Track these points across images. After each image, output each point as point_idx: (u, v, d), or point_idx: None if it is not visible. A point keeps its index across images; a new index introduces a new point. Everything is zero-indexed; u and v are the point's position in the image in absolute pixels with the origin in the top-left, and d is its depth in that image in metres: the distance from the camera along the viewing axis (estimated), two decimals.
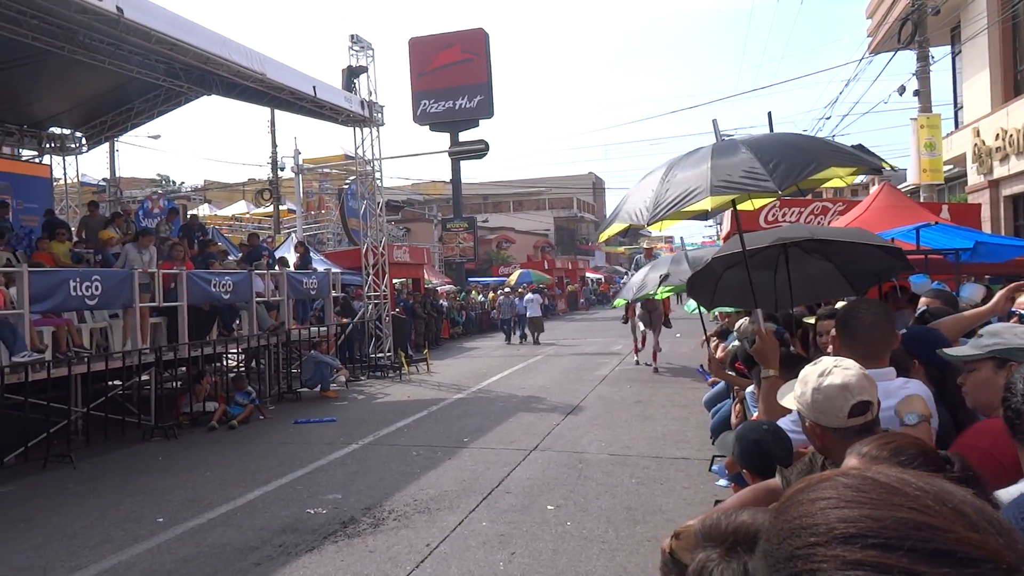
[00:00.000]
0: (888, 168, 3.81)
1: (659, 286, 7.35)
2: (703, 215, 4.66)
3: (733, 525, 1.13)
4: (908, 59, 16.81)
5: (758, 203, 4.68)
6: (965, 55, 17.56)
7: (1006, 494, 1.70)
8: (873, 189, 10.66)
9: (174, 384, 12.34)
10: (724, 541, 1.13)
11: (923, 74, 15.61)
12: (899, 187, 14.44)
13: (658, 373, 14.46)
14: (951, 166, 18.23)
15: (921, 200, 14.13)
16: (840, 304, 4.37)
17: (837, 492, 0.62)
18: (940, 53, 18.54)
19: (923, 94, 15.62)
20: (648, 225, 3.50)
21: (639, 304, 14.59)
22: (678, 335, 19.58)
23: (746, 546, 1.08)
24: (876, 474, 0.64)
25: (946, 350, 2.62)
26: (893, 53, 17.63)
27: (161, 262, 11.57)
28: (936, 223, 7.76)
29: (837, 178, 4.04)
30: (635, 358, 16.25)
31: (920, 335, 3.04)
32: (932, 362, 2.91)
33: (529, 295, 24.00)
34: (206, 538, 5.95)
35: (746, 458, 2.62)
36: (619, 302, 14.32)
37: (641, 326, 15.67)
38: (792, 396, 2.26)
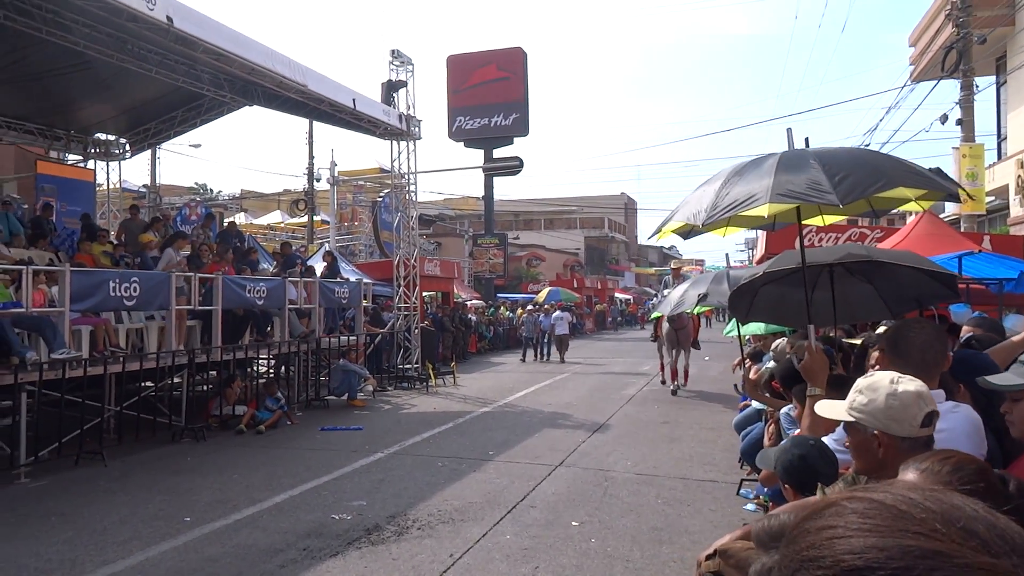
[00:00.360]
0: (964, 195, 3.74)
1: (696, 305, 7.29)
2: (768, 225, 4.62)
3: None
4: (951, 88, 16.66)
5: (810, 221, 4.60)
6: (1011, 85, 17.32)
7: None
8: (911, 218, 10.51)
9: (205, 387, 12.49)
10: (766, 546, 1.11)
11: (967, 103, 15.40)
12: (940, 216, 14.22)
13: (676, 396, 13.90)
14: (993, 197, 17.93)
15: (962, 230, 13.90)
16: (882, 328, 4.31)
17: (844, 520, 0.61)
18: (985, 83, 18.31)
19: (966, 123, 15.40)
20: (703, 226, 3.46)
21: (667, 322, 14.06)
22: (707, 358, 19.40)
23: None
24: (883, 496, 0.62)
25: (989, 378, 2.56)
26: (936, 81, 17.44)
27: (198, 266, 11.78)
28: (979, 251, 7.63)
29: (913, 202, 3.98)
30: (661, 377, 15.76)
31: (968, 359, 2.98)
32: (979, 387, 2.85)
33: (557, 312, 23.59)
34: (232, 539, 6.00)
35: (790, 472, 2.58)
36: (656, 315, 14.10)
37: (668, 345, 14.85)
38: (845, 406, 2.20)
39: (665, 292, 14.92)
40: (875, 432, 2.11)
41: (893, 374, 2.15)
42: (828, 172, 3.15)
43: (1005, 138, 18.37)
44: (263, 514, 6.68)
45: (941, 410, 2.46)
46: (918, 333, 2.67)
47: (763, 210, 3.23)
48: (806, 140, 3.73)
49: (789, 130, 3.79)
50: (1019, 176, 16.18)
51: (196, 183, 48.52)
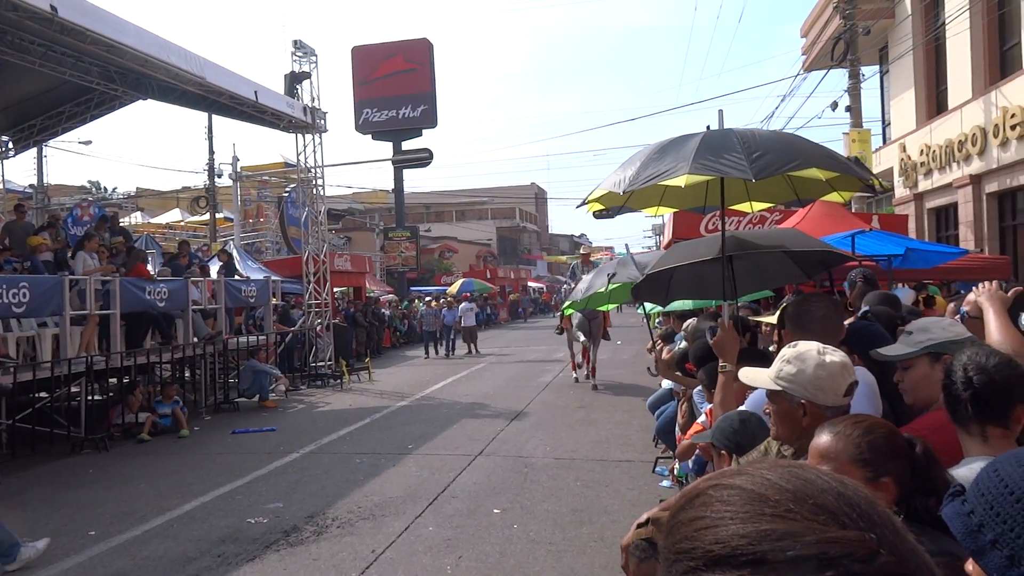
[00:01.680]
0: (879, 186, 3.95)
1: (608, 285, 7.37)
2: (699, 208, 4.77)
3: None
4: (840, 77, 17.47)
5: (739, 206, 4.76)
6: (892, 74, 18.35)
7: (957, 472, 1.79)
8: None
9: (106, 395, 11.91)
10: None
11: (854, 91, 16.22)
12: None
13: (597, 391, 13.22)
14: (885, 191, 18.96)
15: (853, 211, 14.65)
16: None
17: (710, 510, 0.63)
18: (870, 72, 19.34)
19: (854, 110, 16.22)
20: (624, 192, 3.57)
21: (576, 313, 13.18)
22: (619, 342, 19.83)
23: None
24: (743, 480, 0.65)
25: (881, 349, 2.72)
26: (826, 71, 18.31)
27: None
28: (870, 230, 8.07)
29: (835, 194, 4.17)
30: (573, 374, 14.80)
31: (862, 330, 3.15)
32: (871, 358, 3.01)
33: (464, 304, 23.20)
34: (141, 551, 5.75)
35: (729, 436, 2.66)
36: (568, 309, 13.60)
37: (581, 336, 13.83)
38: (771, 375, 2.25)
39: (573, 282, 14.35)
40: (802, 401, 2.17)
41: (819, 345, 2.23)
42: (747, 150, 3.30)
43: (889, 124, 19.46)
44: (173, 523, 6.44)
45: (864, 378, 2.59)
46: (818, 307, 2.80)
47: (681, 180, 3.35)
48: (720, 119, 3.87)
49: (720, 111, 3.96)
50: (902, 159, 17.18)
51: (88, 182, 46.14)
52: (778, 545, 0.58)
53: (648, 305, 10.16)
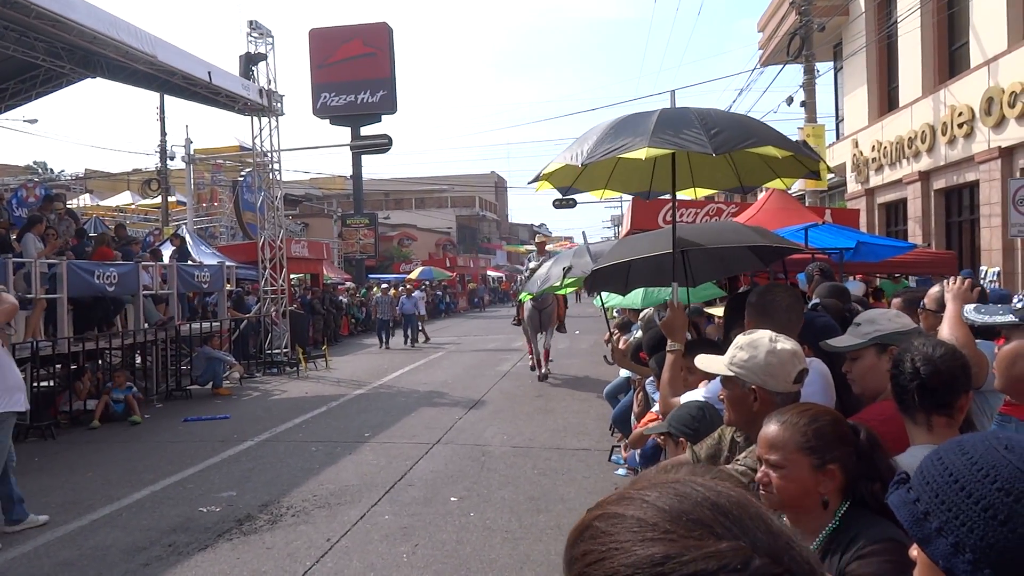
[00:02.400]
0: (827, 170, 4.05)
1: (563, 278, 7.39)
2: (643, 194, 4.78)
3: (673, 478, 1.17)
4: (796, 72, 17.74)
5: (683, 193, 4.80)
6: (846, 71, 18.71)
7: (902, 459, 1.84)
8: (763, 194, 11.19)
9: (51, 382, 11.58)
10: None
11: (809, 86, 16.49)
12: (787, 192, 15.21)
13: (544, 381, 12.88)
14: (833, 175, 19.33)
15: (806, 205, 14.93)
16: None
17: (597, 543, 0.66)
18: (825, 68, 19.68)
19: (809, 105, 16.50)
20: (583, 165, 3.54)
21: (528, 304, 13.14)
22: (577, 332, 19.95)
23: None
24: (623, 508, 0.67)
25: (830, 341, 2.78)
26: (782, 66, 18.58)
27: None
28: (822, 223, 8.23)
29: (778, 180, 4.22)
30: (531, 362, 14.22)
31: (811, 321, 3.20)
32: (821, 348, 3.07)
33: (417, 292, 22.86)
34: (88, 540, 5.63)
35: (687, 423, 2.69)
36: (524, 296, 13.40)
37: (532, 328, 13.51)
38: (725, 361, 2.29)
39: (530, 267, 13.68)
40: (752, 387, 2.21)
41: (771, 333, 2.27)
42: (705, 126, 3.33)
43: (843, 119, 19.86)
44: (122, 512, 6.31)
45: (816, 368, 2.64)
46: (783, 296, 2.85)
47: (641, 153, 3.35)
48: (672, 100, 3.90)
49: (673, 92, 3.99)
50: (855, 155, 17.56)
51: (34, 162, 44.72)
52: (660, 570, 0.61)
53: (604, 297, 10.17)
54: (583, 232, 9.60)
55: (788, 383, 2.20)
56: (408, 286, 24.00)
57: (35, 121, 28.13)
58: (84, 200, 30.05)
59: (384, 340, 21.12)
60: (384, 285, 24.38)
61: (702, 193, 4.88)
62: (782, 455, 1.76)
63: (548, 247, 15.15)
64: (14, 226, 12.62)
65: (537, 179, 4.23)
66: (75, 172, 39.42)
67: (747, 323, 2.82)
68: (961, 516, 0.91)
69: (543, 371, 13.35)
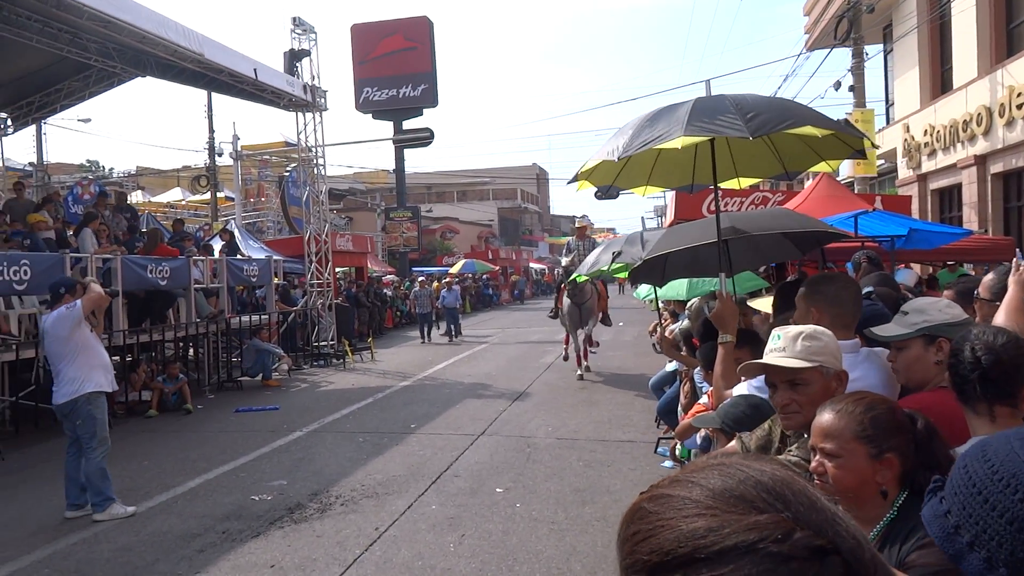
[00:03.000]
0: (871, 146, 3.93)
1: (611, 263, 7.32)
2: (687, 188, 4.73)
3: None
4: (844, 56, 17.34)
5: (727, 184, 4.72)
6: (896, 53, 18.19)
7: (963, 451, 1.78)
8: (810, 182, 10.97)
9: None
10: None
11: (858, 70, 16.10)
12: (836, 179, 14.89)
13: (583, 380, 12.07)
14: (883, 161, 18.87)
15: (855, 192, 14.59)
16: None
17: (644, 524, 0.67)
18: (874, 51, 19.18)
19: (858, 90, 16.12)
20: (619, 159, 3.50)
21: (566, 296, 12.38)
22: (621, 324, 19.82)
23: None
24: (670, 488, 0.69)
25: (874, 329, 2.69)
26: (829, 50, 18.13)
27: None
28: (873, 211, 8.03)
29: (824, 163, 4.13)
30: (564, 352, 13.70)
31: (868, 312, 3.12)
32: (866, 336, 2.99)
33: (455, 286, 22.46)
34: (145, 527, 5.79)
35: (740, 421, 2.64)
36: (579, 277, 12.69)
37: (571, 324, 12.67)
38: (799, 354, 2.15)
39: (566, 258, 12.86)
40: (836, 372, 2.16)
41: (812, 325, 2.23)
42: (740, 111, 3.27)
43: (893, 104, 19.33)
44: (177, 500, 6.48)
45: (858, 358, 2.57)
46: (839, 285, 2.77)
47: (677, 142, 3.30)
48: (707, 90, 3.84)
49: (708, 82, 3.91)
50: (906, 140, 17.08)
51: (88, 160, 45.98)
52: (702, 542, 0.62)
53: (648, 288, 10.02)
54: (642, 218, 9.53)
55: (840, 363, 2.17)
56: (447, 279, 23.56)
57: (89, 120, 29.02)
58: (136, 197, 30.83)
59: (426, 334, 20.75)
60: (421, 278, 23.68)
61: (746, 182, 4.79)
62: (838, 444, 1.73)
63: (587, 232, 14.08)
64: (70, 223, 13.02)
65: (576, 179, 4.17)
66: (127, 169, 40.46)
67: (798, 313, 2.75)
68: (989, 530, 0.87)
69: (580, 371, 12.42)
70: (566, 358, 13.56)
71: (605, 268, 7.68)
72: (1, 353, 8.87)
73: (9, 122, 16.92)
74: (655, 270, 4.96)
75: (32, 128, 22.49)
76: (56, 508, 6.29)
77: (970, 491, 0.91)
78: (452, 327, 20.73)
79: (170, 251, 12.82)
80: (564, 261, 12.86)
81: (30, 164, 26.07)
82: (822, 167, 4.35)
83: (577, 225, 14.44)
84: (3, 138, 17.12)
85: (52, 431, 9.32)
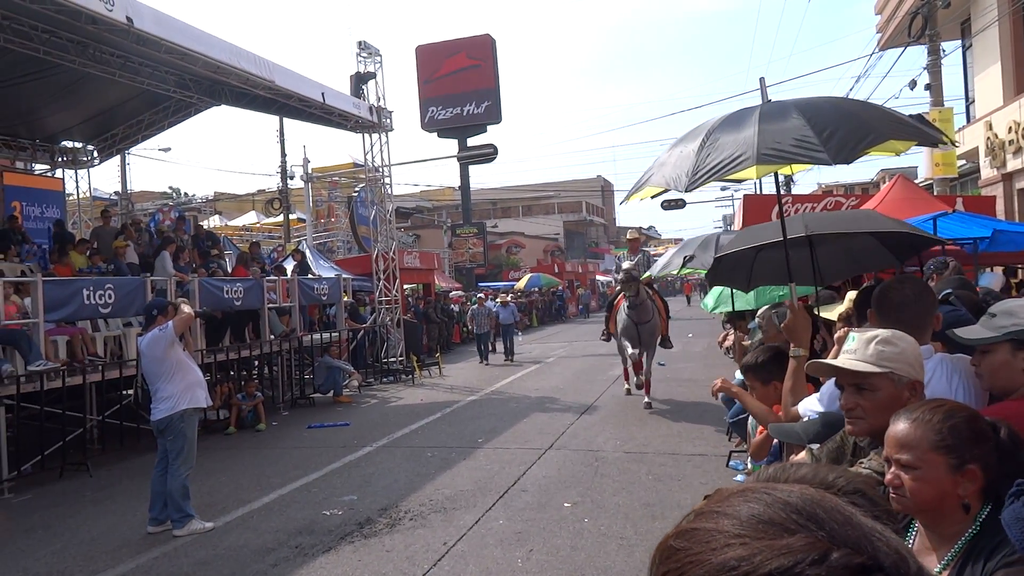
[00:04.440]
0: (949, 142, 3.66)
1: (682, 267, 7.14)
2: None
3: (795, 476, 1.10)
4: (919, 54, 16.70)
5: (794, 168, 4.54)
6: (976, 48, 17.44)
7: None
8: (884, 184, 10.57)
9: None
10: None
11: (934, 68, 15.49)
12: (913, 181, 14.32)
13: (651, 409, 10.55)
14: (963, 161, 18.08)
15: (935, 194, 14.02)
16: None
17: (673, 562, 0.65)
18: (951, 47, 18.44)
19: (935, 88, 15.50)
20: (686, 191, 3.22)
21: (623, 313, 10.94)
22: (690, 335, 19.50)
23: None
24: (699, 522, 0.67)
25: (958, 331, 2.54)
26: (903, 48, 17.52)
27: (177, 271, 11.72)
28: (953, 212, 7.68)
29: (890, 143, 3.89)
30: (625, 386, 12.10)
31: (944, 316, 2.97)
32: (953, 342, 2.84)
33: (509, 304, 20.60)
34: (222, 541, 5.94)
35: (814, 439, 2.55)
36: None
37: (629, 347, 11.05)
38: (869, 359, 2.05)
39: (622, 267, 11.22)
40: (911, 381, 2.03)
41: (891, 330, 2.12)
42: (815, 127, 2.99)
43: (973, 101, 18.52)
44: (253, 515, 6.63)
45: (930, 365, 2.43)
46: (910, 290, 2.63)
47: (751, 172, 3.09)
48: (762, 86, 3.61)
49: (762, 79, 3.59)
50: (988, 138, 16.33)
51: (169, 188, 47.98)
52: (734, 574, 0.60)
53: (710, 301, 9.75)
54: (724, 216, 9.24)
55: (923, 374, 2.05)
56: (502, 297, 21.75)
57: (169, 149, 30.41)
58: (214, 221, 31.99)
59: (484, 355, 19.48)
60: (480, 295, 22.66)
61: (798, 169, 4.58)
62: (915, 455, 1.63)
63: (640, 243, 12.48)
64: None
65: (627, 198, 3.98)
66: (206, 195, 42.06)
67: (871, 321, 2.62)
68: None
69: (646, 397, 10.83)
70: (630, 391, 11.83)
71: (675, 271, 7.49)
72: (89, 374, 9.28)
73: (95, 153, 17.79)
74: (741, 273, 4.78)
75: (116, 159, 23.67)
76: (139, 523, 6.52)
77: None
78: (507, 346, 19.52)
79: (243, 272, 13.27)
80: (620, 274, 11.12)
81: (115, 193, 27.38)
82: (886, 149, 4.12)
83: (629, 238, 13.06)
84: (90, 169, 17.98)
85: (136, 449, 9.71)
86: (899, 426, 1.68)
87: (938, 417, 1.64)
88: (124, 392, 10.33)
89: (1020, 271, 9.84)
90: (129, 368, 9.91)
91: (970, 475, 1.60)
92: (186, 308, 6.68)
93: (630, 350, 10.96)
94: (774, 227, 4.53)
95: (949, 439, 1.61)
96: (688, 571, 0.63)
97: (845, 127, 3.06)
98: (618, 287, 11.59)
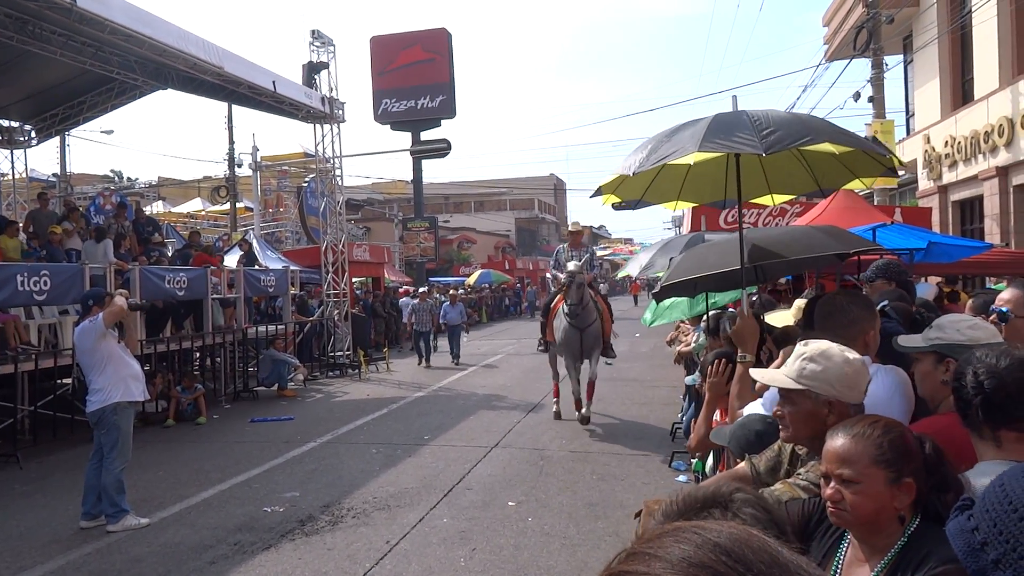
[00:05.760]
0: (898, 164, 3.83)
1: (668, 268, 6.90)
2: (719, 203, 4.67)
3: (704, 493, 1.13)
4: (863, 66, 17.18)
5: (760, 200, 4.65)
6: (916, 64, 18.04)
7: (970, 476, 1.74)
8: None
9: None
10: (695, 511, 1.12)
11: (877, 81, 15.95)
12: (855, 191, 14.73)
13: (588, 425, 9.31)
14: (903, 172, 18.65)
15: (875, 204, 14.45)
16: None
17: None
18: (894, 61, 19.02)
19: (877, 100, 15.96)
20: (633, 174, 3.50)
21: (562, 319, 9.51)
22: (637, 335, 19.72)
23: (721, 509, 1.08)
24: (629, 565, 0.67)
25: (901, 339, 2.65)
26: (848, 60, 18.01)
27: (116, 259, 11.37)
28: (891, 223, 7.94)
29: (858, 180, 4.06)
30: (555, 406, 10.21)
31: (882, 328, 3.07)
32: (885, 354, 2.94)
33: (458, 302, 19.21)
34: (158, 537, 5.81)
35: (744, 447, 2.60)
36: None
37: (565, 373, 9.82)
38: (791, 374, 2.11)
39: (558, 270, 10.11)
40: (829, 400, 2.07)
41: (835, 344, 2.15)
42: (757, 127, 3.24)
43: (913, 114, 19.14)
44: (190, 510, 6.50)
45: (872, 371, 2.52)
46: (852, 304, 2.73)
47: (690, 158, 3.30)
48: (734, 105, 3.80)
49: (734, 97, 3.88)
50: (926, 151, 16.91)
51: (111, 171, 46.56)
52: None
53: (648, 316, 9.65)
54: (703, 217, 9.07)
55: (861, 394, 2.10)
56: (452, 292, 20.59)
57: (111, 132, 29.24)
58: (157, 207, 31.15)
59: (424, 356, 17.58)
60: (422, 290, 20.26)
61: (779, 199, 4.73)
62: (856, 469, 1.67)
63: (583, 237, 11.17)
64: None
65: (598, 193, 4.14)
66: (149, 180, 40.90)
67: (815, 334, 2.70)
68: (1020, 548, 0.84)
69: (585, 411, 9.47)
70: (558, 414, 10.02)
71: (660, 272, 7.24)
72: (22, 363, 8.96)
73: (33, 134, 17.15)
74: (686, 283, 4.87)
75: (56, 140, 22.87)
76: (71, 518, 6.32)
77: (1005, 509, 0.89)
78: (453, 348, 17.98)
79: (210, 260, 13.00)
80: (562, 276, 9.62)
81: (54, 175, 26.47)
82: (856, 184, 4.29)
83: (570, 230, 11.27)
84: (27, 149, 17.34)
85: (71, 441, 9.41)
86: (838, 441, 1.72)
87: (877, 432, 1.69)
88: (59, 382, 10.00)
89: (954, 283, 10.22)
90: (64, 357, 9.59)
91: (906, 488, 1.65)
92: (119, 300, 6.47)
93: (571, 385, 9.61)
94: (726, 244, 4.61)
95: (889, 453, 1.66)
96: None
97: (787, 127, 3.27)
98: (556, 289, 9.99)
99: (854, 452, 1.69)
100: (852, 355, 2.12)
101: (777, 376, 2.17)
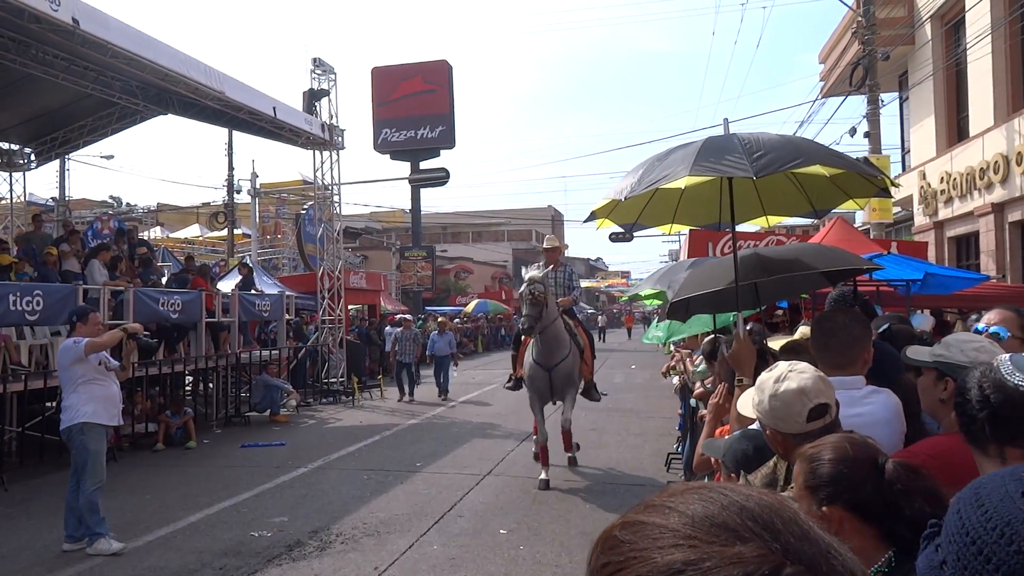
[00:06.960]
0: (890, 184, 3.85)
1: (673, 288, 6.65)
2: (713, 225, 4.68)
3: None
4: (859, 103, 17.38)
5: (756, 221, 4.67)
6: (912, 100, 18.23)
7: None
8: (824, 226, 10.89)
9: None
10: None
11: (873, 117, 16.10)
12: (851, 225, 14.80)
13: (575, 466, 8.68)
14: (899, 208, 18.77)
15: (871, 237, 14.49)
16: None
17: (615, 553, 0.62)
18: (889, 98, 19.23)
19: (873, 136, 16.10)
20: (625, 199, 3.49)
21: (532, 354, 8.14)
22: (633, 366, 19.64)
23: None
24: (646, 516, 0.63)
25: (910, 351, 2.61)
26: (845, 96, 18.20)
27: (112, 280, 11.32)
28: (888, 254, 7.94)
29: (851, 201, 4.07)
30: (533, 448, 8.89)
31: (879, 349, 3.04)
32: (881, 377, 2.91)
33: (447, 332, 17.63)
34: (143, 561, 5.69)
35: (740, 463, 2.56)
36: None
37: (536, 396, 8.36)
38: (751, 404, 2.21)
39: (531, 277, 8.01)
40: (767, 431, 2.14)
41: (782, 370, 2.12)
42: (748, 150, 3.24)
43: (909, 151, 19.31)
44: (177, 534, 6.38)
45: (859, 395, 2.49)
46: (843, 322, 2.71)
47: (681, 182, 3.30)
48: (725, 127, 3.82)
49: (726, 119, 3.89)
50: (922, 187, 17.01)
51: (111, 196, 46.66)
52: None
53: (651, 332, 9.61)
54: (670, 252, 8.87)
55: (800, 423, 2.04)
56: (441, 320, 18.80)
57: (111, 157, 29.29)
58: (155, 232, 31.17)
59: (408, 389, 16.18)
60: (407, 317, 18.97)
61: (774, 221, 4.74)
62: (796, 492, 1.66)
63: (560, 254, 9.54)
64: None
65: (592, 218, 4.12)
66: (148, 206, 40.96)
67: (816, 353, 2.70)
68: None
69: (570, 455, 8.75)
70: (537, 455, 8.51)
71: (658, 300, 7.04)
72: (11, 383, 8.87)
73: (33, 157, 17.20)
74: (679, 307, 4.86)
75: (56, 164, 22.95)
76: (55, 541, 6.20)
77: (963, 540, 0.83)
78: (442, 381, 16.52)
79: (205, 284, 13.00)
80: (523, 287, 8.10)
81: (52, 199, 26.49)
82: (850, 205, 4.29)
83: (545, 246, 9.48)
84: (26, 173, 17.37)
85: (58, 464, 9.27)
86: (799, 467, 1.72)
87: (808, 455, 1.67)
88: (48, 404, 9.89)
89: (947, 314, 10.19)
90: (54, 379, 9.48)
91: (826, 517, 1.59)
92: (115, 333, 6.40)
93: (538, 430, 8.32)
94: (724, 264, 4.60)
95: (811, 479, 1.64)
96: (630, 567, 0.59)
97: (777, 150, 3.27)
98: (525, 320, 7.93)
99: (797, 472, 1.69)
100: (787, 386, 2.08)
101: (744, 403, 2.21)
